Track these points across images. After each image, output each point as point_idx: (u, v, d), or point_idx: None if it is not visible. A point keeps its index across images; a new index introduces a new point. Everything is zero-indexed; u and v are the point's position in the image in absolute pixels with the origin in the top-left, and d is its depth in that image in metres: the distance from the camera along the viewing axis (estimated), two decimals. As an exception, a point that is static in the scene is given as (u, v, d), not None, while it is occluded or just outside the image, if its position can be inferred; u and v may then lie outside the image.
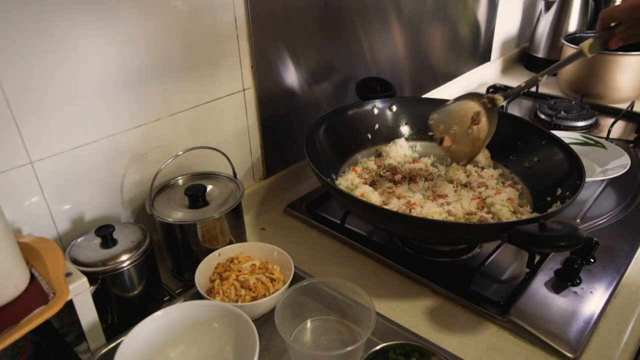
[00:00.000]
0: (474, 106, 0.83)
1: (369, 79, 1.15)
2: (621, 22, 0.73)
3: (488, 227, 0.74)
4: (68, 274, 0.60)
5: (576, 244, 0.62)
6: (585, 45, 0.76)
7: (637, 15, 0.70)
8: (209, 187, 0.83)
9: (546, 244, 0.64)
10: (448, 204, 0.88)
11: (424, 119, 1.11)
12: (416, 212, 0.85)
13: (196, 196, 0.79)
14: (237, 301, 0.70)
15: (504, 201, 0.87)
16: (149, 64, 0.77)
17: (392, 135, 1.10)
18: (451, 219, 0.83)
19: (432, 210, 0.84)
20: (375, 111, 1.08)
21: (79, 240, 0.71)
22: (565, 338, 0.69)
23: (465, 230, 0.75)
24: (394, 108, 1.10)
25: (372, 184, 0.98)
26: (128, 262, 0.69)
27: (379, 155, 1.07)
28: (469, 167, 1.00)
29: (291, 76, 1.03)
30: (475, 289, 0.79)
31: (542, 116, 1.40)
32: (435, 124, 0.89)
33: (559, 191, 0.83)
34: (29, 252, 0.59)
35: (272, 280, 0.74)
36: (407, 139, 1.10)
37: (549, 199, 0.85)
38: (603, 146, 1.13)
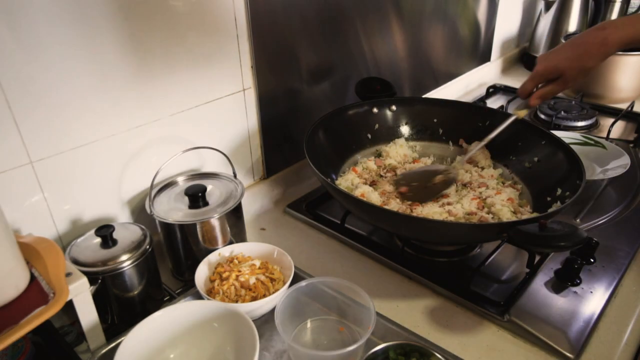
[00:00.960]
0: (437, 171, 0.97)
1: (369, 79, 1.15)
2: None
3: (488, 227, 0.74)
4: (68, 274, 0.60)
5: (576, 243, 0.62)
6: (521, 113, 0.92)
7: (548, 77, 0.85)
8: (209, 187, 0.83)
9: (546, 244, 0.64)
10: (449, 204, 0.88)
11: (423, 119, 1.11)
12: (417, 212, 0.85)
13: (196, 196, 0.79)
14: (237, 301, 0.70)
15: (504, 201, 0.87)
16: (149, 63, 0.77)
17: (392, 135, 1.10)
18: (451, 219, 0.83)
19: (432, 210, 0.85)
20: (375, 111, 1.08)
21: (79, 240, 0.71)
22: (565, 338, 0.69)
23: (466, 230, 0.75)
24: (394, 108, 1.10)
25: (372, 184, 0.98)
26: (128, 262, 0.68)
27: (379, 155, 1.07)
28: (469, 166, 1.01)
29: (291, 76, 1.03)
30: (475, 289, 0.79)
31: (542, 116, 1.40)
32: (400, 178, 0.98)
33: (559, 191, 0.83)
34: (29, 252, 0.59)
35: (272, 280, 0.74)
36: (407, 139, 1.10)
37: (549, 199, 0.85)
38: (603, 146, 1.13)
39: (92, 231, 0.71)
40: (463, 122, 1.08)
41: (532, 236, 0.64)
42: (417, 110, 1.11)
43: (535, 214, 0.85)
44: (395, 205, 0.88)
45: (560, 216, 0.75)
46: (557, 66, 0.83)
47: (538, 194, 0.90)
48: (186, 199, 0.79)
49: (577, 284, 0.78)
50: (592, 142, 1.15)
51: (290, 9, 0.97)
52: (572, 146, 0.89)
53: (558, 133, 1.05)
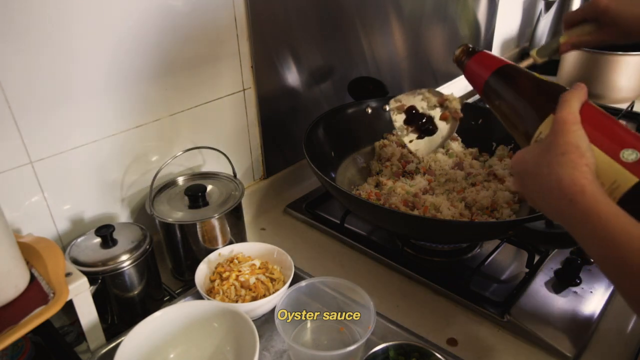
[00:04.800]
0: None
1: (361, 78, 1.15)
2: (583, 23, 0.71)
3: (495, 225, 0.74)
4: (68, 274, 0.60)
5: None
6: (534, 52, 0.75)
7: (596, 17, 0.68)
8: (209, 187, 0.83)
9: (553, 241, 0.64)
10: (464, 199, 0.88)
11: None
12: (425, 200, 0.86)
13: (196, 196, 0.79)
14: (237, 301, 0.70)
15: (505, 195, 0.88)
16: (149, 64, 0.77)
17: (388, 133, 1.11)
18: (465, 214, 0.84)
19: (439, 200, 0.85)
20: (369, 110, 1.09)
21: (79, 240, 0.71)
22: (565, 338, 0.69)
23: (472, 229, 0.75)
24: (387, 108, 1.10)
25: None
26: (128, 262, 0.69)
27: (378, 157, 1.07)
28: (475, 163, 1.01)
29: (291, 76, 1.03)
30: (475, 289, 0.79)
31: (542, 116, 1.40)
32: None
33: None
34: (29, 252, 0.59)
35: (272, 280, 0.74)
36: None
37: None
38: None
39: (92, 231, 0.71)
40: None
41: (540, 233, 0.64)
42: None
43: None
44: (397, 199, 0.88)
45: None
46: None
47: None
48: (186, 199, 0.79)
49: (577, 284, 0.78)
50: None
51: (291, 9, 0.97)
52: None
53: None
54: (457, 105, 0.85)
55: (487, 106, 0.67)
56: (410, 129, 0.86)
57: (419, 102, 0.88)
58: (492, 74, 0.65)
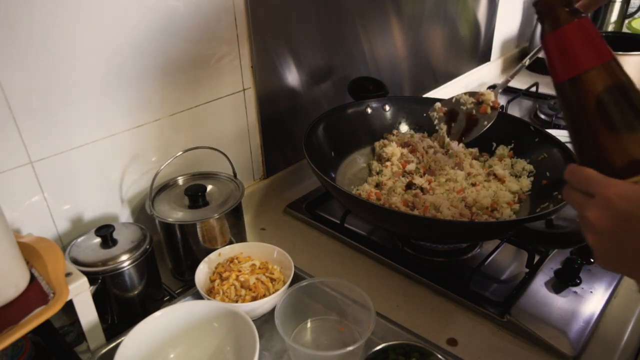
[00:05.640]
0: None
1: (362, 78, 1.15)
2: None
3: (495, 225, 0.74)
4: (68, 274, 0.60)
5: (583, 240, 0.62)
6: None
7: None
8: (209, 187, 0.83)
9: (553, 241, 0.64)
10: (464, 199, 0.89)
11: (419, 117, 1.11)
12: (426, 200, 0.87)
13: (196, 196, 0.79)
14: (237, 301, 0.70)
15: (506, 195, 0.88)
16: (149, 64, 0.77)
17: (388, 133, 1.11)
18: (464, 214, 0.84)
19: (439, 200, 0.85)
20: (369, 111, 1.09)
21: (79, 240, 0.71)
22: (565, 338, 0.69)
23: (472, 229, 0.75)
24: (388, 107, 1.11)
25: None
26: (128, 262, 0.69)
27: (378, 157, 1.07)
28: (475, 163, 1.02)
29: (291, 76, 1.03)
30: (475, 289, 0.79)
31: (542, 116, 1.40)
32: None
33: (558, 191, 0.83)
34: (29, 252, 0.59)
35: (272, 280, 0.74)
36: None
37: (547, 199, 0.85)
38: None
39: (92, 231, 0.71)
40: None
41: (540, 234, 0.64)
42: (411, 109, 1.12)
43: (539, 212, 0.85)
44: (397, 199, 0.88)
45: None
46: None
47: (537, 193, 0.90)
48: (186, 199, 0.79)
49: (577, 284, 0.78)
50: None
51: (290, 9, 0.97)
52: (572, 146, 0.89)
53: (558, 133, 1.05)
54: (492, 97, 0.93)
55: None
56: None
57: (457, 106, 0.97)
58: (592, 69, 0.45)
